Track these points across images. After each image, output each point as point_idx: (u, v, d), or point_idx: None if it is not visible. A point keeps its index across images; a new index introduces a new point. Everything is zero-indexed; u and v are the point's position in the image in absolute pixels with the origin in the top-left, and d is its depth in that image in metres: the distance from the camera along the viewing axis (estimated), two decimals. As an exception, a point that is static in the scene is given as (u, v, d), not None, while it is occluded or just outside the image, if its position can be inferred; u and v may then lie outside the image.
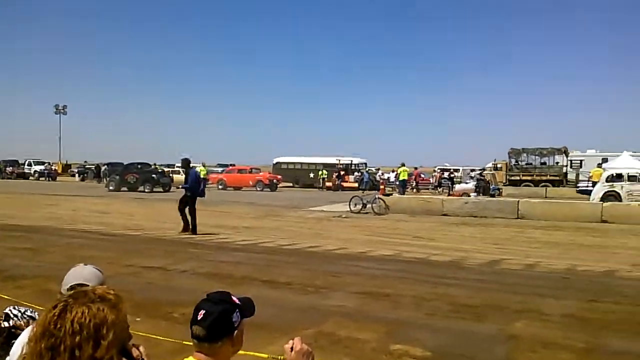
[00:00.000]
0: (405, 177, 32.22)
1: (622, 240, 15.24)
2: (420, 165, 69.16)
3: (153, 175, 38.48)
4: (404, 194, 30.34)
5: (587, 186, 32.19)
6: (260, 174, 43.28)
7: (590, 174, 32.69)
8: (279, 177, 44.30)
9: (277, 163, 50.07)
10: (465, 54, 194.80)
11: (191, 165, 16.66)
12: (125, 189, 36.86)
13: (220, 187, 41.94)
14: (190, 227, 15.21)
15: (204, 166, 41.68)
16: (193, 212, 15.24)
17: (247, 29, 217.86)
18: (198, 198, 15.50)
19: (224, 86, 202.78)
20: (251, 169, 44.91)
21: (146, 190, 35.65)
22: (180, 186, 18.68)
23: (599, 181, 27.54)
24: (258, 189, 40.64)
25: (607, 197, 24.56)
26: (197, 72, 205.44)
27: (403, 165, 32.76)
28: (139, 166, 40.17)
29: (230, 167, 48.95)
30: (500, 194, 33.89)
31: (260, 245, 13.82)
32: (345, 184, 42.90)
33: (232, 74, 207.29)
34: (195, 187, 15.38)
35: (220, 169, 50.07)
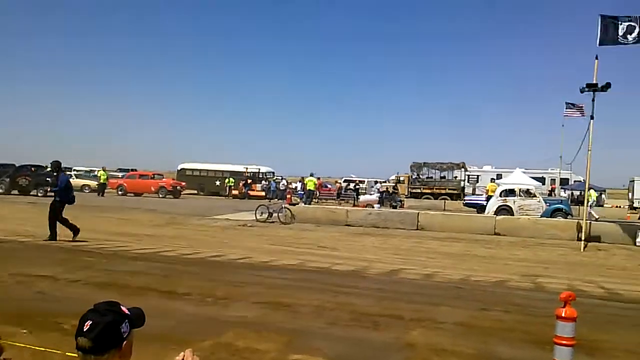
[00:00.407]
0: (312, 188, 32.48)
1: (513, 252, 16.16)
2: (329, 176, 70.13)
3: (47, 179, 36.35)
4: (310, 203, 30.59)
5: (472, 200, 34.15)
6: (163, 180, 42.09)
7: (487, 188, 34.53)
8: (183, 183, 43.30)
9: (181, 169, 48.93)
10: (369, 67, 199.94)
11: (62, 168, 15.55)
12: (16, 192, 34.61)
13: (120, 192, 40.37)
14: (50, 234, 14.38)
15: (104, 170, 40.05)
16: (59, 220, 14.43)
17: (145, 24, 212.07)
18: (69, 205, 14.71)
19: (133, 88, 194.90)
20: (153, 174, 43.62)
21: (39, 195, 33.58)
22: (49, 189, 17.61)
23: (493, 195, 29.17)
24: (160, 195, 39.49)
25: (500, 210, 26.06)
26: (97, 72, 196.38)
27: (311, 175, 33.05)
28: (32, 169, 37.76)
29: (132, 172, 47.30)
30: (402, 206, 35.07)
31: (160, 254, 13.38)
32: (252, 193, 42.64)
33: (138, 76, 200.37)
34: (64, 193, 14.54)
35: (120, 174, 48.29)
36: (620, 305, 9.57)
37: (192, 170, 48.33)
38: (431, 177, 44.75)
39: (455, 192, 41.76)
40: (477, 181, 46.69)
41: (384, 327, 7.38)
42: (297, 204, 28.20)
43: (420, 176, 44.79)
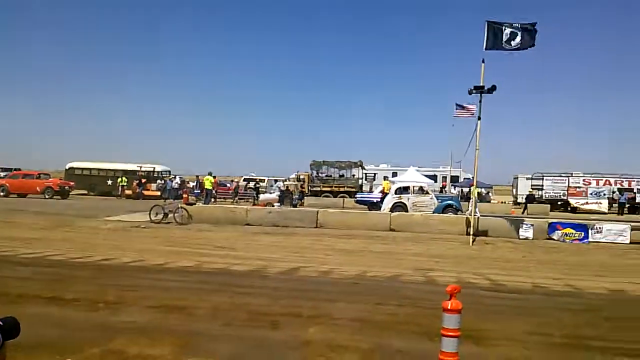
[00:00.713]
0: (210, 187, 31.88)
1: (407, 247, 16.74)
2: (229, 174, 69.19)
3: None
4: (209, 203, 30.05)
5: (363, 197, 35.13)
6: (50, 180, 39.62)
7: (382, 186, 35.55)
8: (72, 183, 40.98)
9: (70, 168, 46.22)
10: (264, 63, 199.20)
11: None
12: None
13: (2, 193, 37.61)
14: None
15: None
16: None
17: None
18: None
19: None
20: (39, 174, 40.96)
21: None
22: None
23: (389, 192, 30.09)
24: (47, 196, 37.15)
25: (395, 207, 26.91)
26: None
27: (210, 174, 32.43)
28: None
29: (15, 172, 44.19)
30: (302, 204, 35.34)
31: (47, 259, 12.61)
32: (146, 192, 41.18)
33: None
34: None
35: (3, 174, 45.02)
36: (504, 295, 10.17)
37: (82, 169, 45.80)
38: (330, 176, 45.44)
39: (354, 190, 42.59)
40: (374, 179, 48.05)
41: (281, 325, 7.37)
42: (195, 203, 27.60)
43: (320, 174, 45.38)
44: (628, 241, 19.27)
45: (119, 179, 43.26)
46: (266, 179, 50.71)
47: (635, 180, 44.30)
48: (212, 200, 32.90)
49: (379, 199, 32.20)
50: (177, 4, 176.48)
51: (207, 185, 31.75)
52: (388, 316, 7.99)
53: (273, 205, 29.57)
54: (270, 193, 37.78)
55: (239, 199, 40.68)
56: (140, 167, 44.34)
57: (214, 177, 33.73)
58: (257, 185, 43.42)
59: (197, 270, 11.76)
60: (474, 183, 21.18)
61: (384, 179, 40.40)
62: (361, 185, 44.85)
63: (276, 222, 21.69)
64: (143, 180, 42.51)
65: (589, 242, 19.36)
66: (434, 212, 26.20)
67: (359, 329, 7.23)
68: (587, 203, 42.22)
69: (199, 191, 37.02)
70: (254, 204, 34.41)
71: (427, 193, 28.90)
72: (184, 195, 31.43)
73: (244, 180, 50.47)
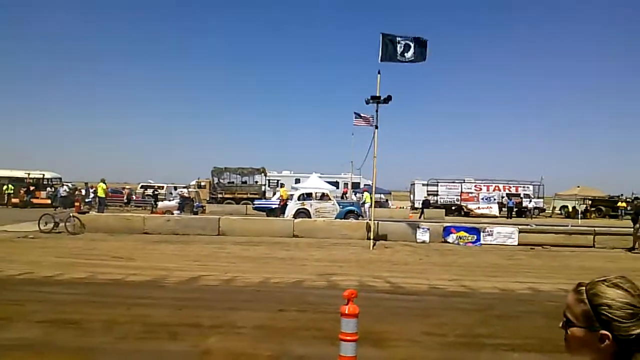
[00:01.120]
0: (103, 195, 30.39)
1: (310, 253, 16.82)
2: (125, 181, 66.47)
3: None
4: (103, 211, 28.68)
5: (261, 204, 35.10)
6: None
7: (280, 194, 35.68)
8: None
9: (-53, 175, 42.44)
10: (164, 73, 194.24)
11: None
12: None
13: None
14: None
15: None
16: None
17: None
18: None
19: None
20: None
21: None
22: None
23: (287, 199, 30.31)
24: None
25: (299, 213, 27.03)
26: None
27: (102, 181, 30.89)
28: None
29: None
30: (203, 212, 34.61)
31: None
32: (35, 201, 38.65)
33: None
34: None
35: None
36: (403, 297, 10.46)
37: (-39, 176, 42.22)
38: (232, 182, 44.90)
39: (257, 196, 42.28)
40: (277, 185, 48.07)
41: (180, 336, 7.14)
42: (88, 212, 26.25)
43: (222, 181, 44.71)
44: (516, 243, 20.52)
45: (4, 187, 40.25)
46: (165, 185, 49.24)
47: (522, 185, 47.43)
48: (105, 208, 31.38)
49: (277, 206, 32.28)
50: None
51: (100, 193, 30.27)
52: (290, 322, 7.96)
53: (172, 213, 28.73)
54: (170, 200, 36.72)
55: (136, 206, 39.19)
56: (29, 174, 41.56)
57: (105, 183, 32.06)
58: (156, 193, 42.07)
59: (91, 282, 11.15)
60: (366, 189, 21.73)
61: (281, 187, 40.62)
62: (264, 192, 44.67)
63: (176, 231, 21.08)
64: (31, 188, 39.89)
65: (481, 244, 20.42)
66: (336, 218, 26.57)
67: (260, 337, 7.14)
68: (479, 208, 44.56)
69: (92, 199, 35.24)
70: (152, 212, 33.29)
71: (330, 199, 29.27)
72: (76, 204, 29.78)
73: (141, 187, 48.75)
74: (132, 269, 12.93)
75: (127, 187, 39.30)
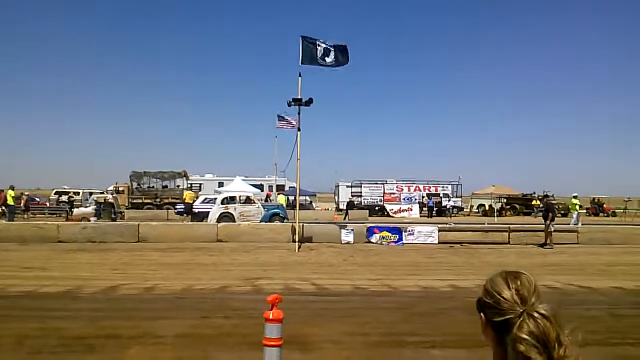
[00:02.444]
0: (12, 202, 28.73)
1: (235, 257, 16.60)
2: (38, 187, 63.18)
3: None
4: (12, 220, 27.13)
5: (183, 208, 34.60)
6: None
7: (184, 197, 35.24)
8: None
9: None
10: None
11: None
12: None
13: None
14: None
15: None
16: None
17: None
18: None
19: None
20: None
21: None
22: None
23: (192, 202, 30.78)
24: None
25: (222, 217, 26.64)
26: None
27: (12, 188, 29.20)
28: None
29: None
30: (122, 218, 33.47)
31: None
32: None
33: None
34: None
35: None
36: (327, 298, 10.53)
37: None
38: (152, 187, 43.65)
39: (178, 200, 41.38)
40: (200, 189, 47.19)
41: (98, 349, 6.85)
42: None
43: (141, 186, 43.36)
44: (436, 241, 21.14)
45: None
46: (81, 191, 47.27)
47: (441, 185, 49.03)
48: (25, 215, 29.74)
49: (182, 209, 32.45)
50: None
51: (9, 201, 28.61)
52: (214, 329, 7.81)
53: (89, 220, 27.60)
54: (86, 207, 35.28)
55: (50, 213, 37.39)
56: None
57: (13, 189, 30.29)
58: (71, 199, 40.29)
59: (1, 295, 10.49)
60: (281, 192, 21.77)
61: (186, 190, 40.22)
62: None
63: (93, 238, 20.23)
64: None
65: (403, 243, 20.89)
66: (261, 221, 26.41)
67: (183, 345, 6.96)
68: (400, 210, 45.66)
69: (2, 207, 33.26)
70: (68, 219, 31.87)
71: (254, 202, 29.05)
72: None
73: (55, 193, 46.59)
74: (46, 279, 12.29)
75: (26, 193, 36.36)
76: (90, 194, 43.57)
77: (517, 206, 49.99)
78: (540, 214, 31.19)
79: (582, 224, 26.20)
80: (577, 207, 28.78)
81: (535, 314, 1.45)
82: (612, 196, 56.99)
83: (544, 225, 21.10)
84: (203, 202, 32.11)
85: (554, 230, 20.76)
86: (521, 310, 1.47)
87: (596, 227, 24.81)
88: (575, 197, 29.39)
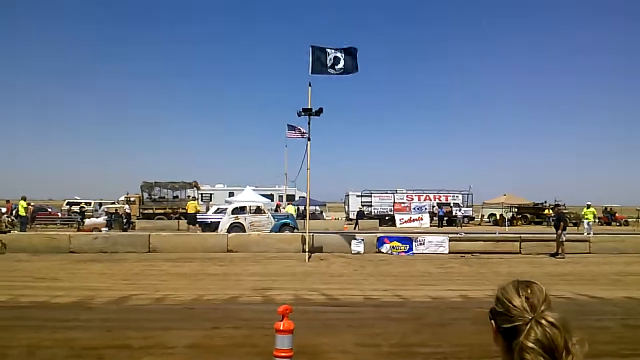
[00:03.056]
0: (24, 213, 28.88)
1: (245, 267, 16.61)
2: (50, 198, 63.54)
3: None
4: (25, 230, 27.31)
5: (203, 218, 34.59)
6: None
7: (187, 207, 35.37)
8: None
9: None
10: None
11: None
12: None
13: None
14: None
15: None
16: None
17: None
18: None
19: None
20: None
21: None
22: None
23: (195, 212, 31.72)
24: None
25: (233, 227, 26.66)
26: None
27: (23, 199, 29.38)
28: None
29: None
30: (133, 228, 33.63)
31: None
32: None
33: None
34: None
35: None
36: (338, 309, 10.49)
37: None
38: (163, 197, 43.80)
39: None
40: (211, 199, 47.28)
41: (109, 359, 6.85)
42: (9, 231, 24.96)
43: (152, 196, 43.53)
44: (447, 251, 21.04)
45: None
46: (92, 202, 47.55)
47: (452, 195, 48.84)
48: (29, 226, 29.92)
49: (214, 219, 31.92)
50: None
51: (21, 211, 28.79)
52: (224, 339, 7.81)
53: (100, 230, 27.75)
54: (97, 217, 35.48)
55: (62, 224, 37.61)
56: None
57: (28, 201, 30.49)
58: (83, 209, 40.53)
59: (13, 305, 10.58)
60: (291, 203, 21.77)
61: (188, 199, 40.21)
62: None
63: (104, 248, 20.35)
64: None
65: (414, 253, 20.80)
66: (271, 231, 26.40)
67: (194, 356, 6.97)
68: (410, 219, 45.48)
69: (15, 217, 33.50)
70: (79, 230, 32.04)
71: (264, 212, 29.07)
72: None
73: (67, 204, 46.89)
74: (58, 290, 12.37)
75: (32, 204, 36.37)
76: (101, 204, 43.81)
77: (528, 215, 49.60)
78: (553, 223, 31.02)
79: (594, 234, 26.02)
80: (592, 216, 28.59)
81: (544, 322, 1.45)
82: (624, 205, 56.42)
83: (555, 235, 20.96)
84: (215, 212, 32.10)
85: (566, 240, 20.63)
86: (530, 318, 1.48)
87: (608, 237, 24.58)
88: (588, 206, 29.18)
